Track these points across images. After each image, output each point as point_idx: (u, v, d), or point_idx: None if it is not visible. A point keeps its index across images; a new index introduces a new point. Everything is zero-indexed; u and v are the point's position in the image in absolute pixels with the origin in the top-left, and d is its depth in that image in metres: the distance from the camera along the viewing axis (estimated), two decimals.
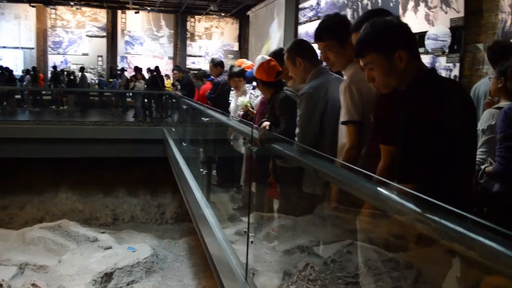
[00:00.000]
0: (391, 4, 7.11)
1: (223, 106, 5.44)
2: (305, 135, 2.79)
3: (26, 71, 15.90)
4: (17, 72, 16.23)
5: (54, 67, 16.40)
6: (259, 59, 3.69)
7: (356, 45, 1.95)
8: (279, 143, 2.47)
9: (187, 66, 17.85)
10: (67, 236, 8.33)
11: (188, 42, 18.92)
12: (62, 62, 17.84)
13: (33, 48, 17.76)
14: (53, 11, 17.58)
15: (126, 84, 15.17)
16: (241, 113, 4.83)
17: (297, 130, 2.84)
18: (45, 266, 7.20)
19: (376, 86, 1.96)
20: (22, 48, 17.71)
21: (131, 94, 14.75)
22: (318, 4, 10.11)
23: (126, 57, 18.53)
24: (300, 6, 11.20)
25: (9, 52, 17.55)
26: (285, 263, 3.19)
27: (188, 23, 18.88)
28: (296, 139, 2.79)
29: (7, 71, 15.04)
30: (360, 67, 1.98)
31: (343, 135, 2.47)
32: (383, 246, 1.96)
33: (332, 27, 2.61)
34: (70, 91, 14.36)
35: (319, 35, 2.66)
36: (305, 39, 10.23)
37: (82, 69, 15.86)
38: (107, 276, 6.97)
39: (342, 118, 2.44)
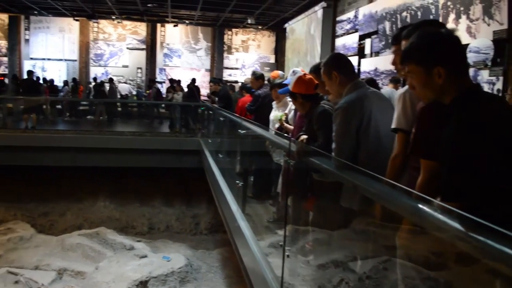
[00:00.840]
0: (431, 17, 7.02)
1: (263, 119, 5.48)
2: (341, 150, 2.79)
3: (65, 82, 16.50)
4: (60, 83, 16.85)
5: (95, 78, 16.93)
6: (291, 73, 3.73)
7: (402, 52, 1.98)
8: (317, 157, 2.48)
9: (224, 78, 18.08)
10: (104, 244, 8.51)
11: (225, 54, 19.18)
12: (103, 73, 18.40)
13: (75, 60, 18.42)
14: (95, 24, 18.21)
15: (155, 96, 15.54)
16: (277, 126, 4.86)
17: (333, 145, 2.84)
18: (83, 272, 7.37)
19: (415, 94, 1.99)
20: (65, 60, 18.41)
21: (163, 105, 15.11)
22: (355, 17, 10.08)
23: (164, 69, 18.94)
24: (338, 19, 11.20)
25: (54, 64, 18.27)
26: (319, 277, 3.16)
27: (225, 36, 19.16)
28: (333, 153, 2.79)
29: (49, 82, 15.71)
30: (404, 74, 2.01)
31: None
32: (422, 264, 1.93)
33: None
34: (106, 102, 14.86)
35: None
36: (342, 52, 10.27)
37: (111, 80, 16.30)
38: (142, 285, 7.06)
39: (392, 124, 2.46)
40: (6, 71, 17.67)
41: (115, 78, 18.26)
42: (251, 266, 3.76)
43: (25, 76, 17.26)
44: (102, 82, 16.31)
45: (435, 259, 1.83)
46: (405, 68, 1.93)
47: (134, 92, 16.87)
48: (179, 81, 14.99)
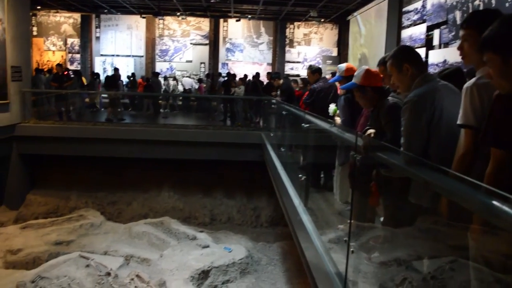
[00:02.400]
0: (507, 4, 6.62)
1: (319, 112, 5.46)
2: (410, 144, 2.70)
3: (127, 77, 17.22)
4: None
5: (156, 73, 17.39)
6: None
7: (481, 40, 1.90)
8: (385, 151, 2.42)
9: (285, 72, 18.06)
10: (169, 233, 8.78)
11: (287, 48, 19.13)
12: (168, 69, 18.99)
13: (142, 56, 19.14)
14: (161, 21, 18.85)
15: (209, 90, 15.79)
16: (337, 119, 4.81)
17: (402, 140, 2.76)
18: (148, 260, 7.66)
19: (492, 83, 1.90)
20: (133, 56, 19.19)
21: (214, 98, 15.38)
22: (423, 6, 9.70)
23: (227, 64, 19.21)
24: (404, 9, 10.83)
25: (122, 60, 19.11)
26: (381, 275, 3.10)
27: (287, 30, 19.10)
28: (402, 148, 2.71)
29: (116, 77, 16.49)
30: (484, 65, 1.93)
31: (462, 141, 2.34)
32: (496, 265, 1.84)
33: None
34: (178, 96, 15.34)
35: None
36: (408, 44, 9.93)
37: (156, 74, 16.70)
38: (204, 274, 7.25)
39: (458, 120, 2.31)
40: (79, 67, 18.65)
41: (179, 73, 18.81)
42: (313, 261, 3.75)
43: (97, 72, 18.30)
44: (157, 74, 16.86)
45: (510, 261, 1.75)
46: (484, 56, 1.85)
47: (197, 86, 17.23)
48: (234, 75, 15.29)
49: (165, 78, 17.80)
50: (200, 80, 17.42)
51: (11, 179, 10.58)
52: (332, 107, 4.94)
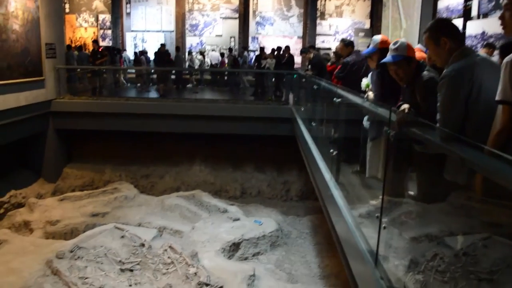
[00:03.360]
0: None
1: (351, 86, 5.36)
2: (447, 121, 2.62)
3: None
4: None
5: (177, 47, 17.27)
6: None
7: None
8: (420, 127, 2.37)
9: (317, 46, 17.74)
10: (200, 206, 8.92)
11: (318, 21, 18.72)
12: (198, 43, 18.95)
13: (172, 31, 19.12)
14: None
15: (231, 64, 15.65)
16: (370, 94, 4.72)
17: (438, 116, 2.68)
18: (180, 231, 7.82)
19: None
20: (163, 31, 19.20)
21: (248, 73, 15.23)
22: None
23: (257, 38, 19.01)
24: None
25: (152, 35, 19.16)
26: (412, 251, 3.08)
27: (319, 2, 18.66)
28: (437, 124, 2.63)
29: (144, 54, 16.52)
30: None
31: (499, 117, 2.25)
32: None
33: None
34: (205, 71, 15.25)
35: None
36: (445, 15, 9.56)
37: (177, 49, 16.56)
38: (235, 246, 7.37)
39: (497, 96, 2.22)
40: (110, 43, 18.84)
41: (209, 47, 18.75)
42: (344, 236, 3.76)
43: (129, 48, 18.42)
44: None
45: None
46: None
47: (226, 61, 17.16)
48: (262, 48, 15.12)
49: (189, 53, 17.75)
50: (222, 55, 17.30)
51: (48, 154, 10.92)
52: (364, 81, 4.84)
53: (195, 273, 5.93)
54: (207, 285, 5.71)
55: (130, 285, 5.67)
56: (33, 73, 9.80)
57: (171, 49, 17.66)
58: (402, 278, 2.72)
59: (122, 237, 6.86)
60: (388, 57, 3.45)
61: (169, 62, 14.76)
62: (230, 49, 17.33)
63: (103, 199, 9.13)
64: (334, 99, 4.54)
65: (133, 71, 16.63)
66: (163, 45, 14.98)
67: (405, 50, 3.39)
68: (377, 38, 4.58)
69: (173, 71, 14.89)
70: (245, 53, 17.27)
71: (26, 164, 10.95)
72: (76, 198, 9.21)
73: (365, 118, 4.38)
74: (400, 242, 3.16)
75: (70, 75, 11.61)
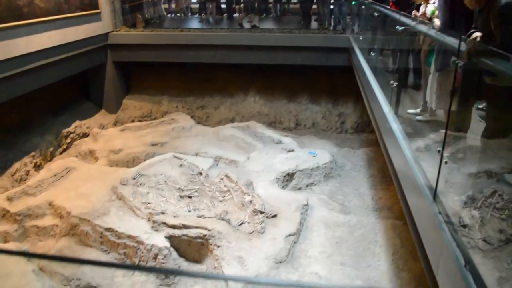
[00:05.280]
0: None
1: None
2: None
3: None
4: None
5: None
6: None
7: None
8: (492, 57, 2.18)
9: None
10: (255, 136, 9.00)
11: None
12: None
13: None
14: None
15: None
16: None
17: None
18: (236, 161, 7.97)
19: None
20: None
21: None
22: None
23: None
24: None
25: None
26: (469, 186, 2.98)
27: None
28: None
29: None
30: None
31: None
32: None
33: None
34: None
35: None
36: None
37: None
38: (289, 176, 7.46)
39: None
40: None
41: None
42: (401, 169, 3.69)
43: None
44: None
45: None
46: None
47: None
48: None
49: None
50: None
51: (108, 86, 11.26)
52: (430, 7, 4.51)
53: (250, 201, 6.12)
54: (261, 212, 5.89)
55: (189, 211, 5.96)
56: (89, 6, 9.92)
57: None
58: (458, 213, 2.66)
59: (181, 165, 7.14)
60: None
61: None
62: None
63: (161, 129, 9.42)
64: (397, 27, 4.28)
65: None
66: None
67: None
68: None
69: None
70: None
71: (88, 96, 11.41)
72: (136, 128, 9.56)
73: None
74: (459, 177, 3.06)
75: (126, 7, 11.62)
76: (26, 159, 8.65)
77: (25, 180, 8.22)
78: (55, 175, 7.27)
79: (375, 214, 6.67)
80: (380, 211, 6.74)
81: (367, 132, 10.07)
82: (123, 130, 9.49)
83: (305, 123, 10.83)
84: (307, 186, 7.56)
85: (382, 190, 7.34)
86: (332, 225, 6.16)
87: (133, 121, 10.97)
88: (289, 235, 5.66)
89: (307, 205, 6.43)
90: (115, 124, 10.95)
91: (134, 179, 6.64)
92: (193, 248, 5.63)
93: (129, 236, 5.57)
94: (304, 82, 11.14)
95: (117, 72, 11.35)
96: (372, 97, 5.40)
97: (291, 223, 5.89)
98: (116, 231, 5.65)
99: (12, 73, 7.57)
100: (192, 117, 10.67)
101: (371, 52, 6.68)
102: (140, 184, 6.54)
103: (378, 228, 6.13)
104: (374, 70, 6.20)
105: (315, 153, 8.11)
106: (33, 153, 8.85)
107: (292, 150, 8.31)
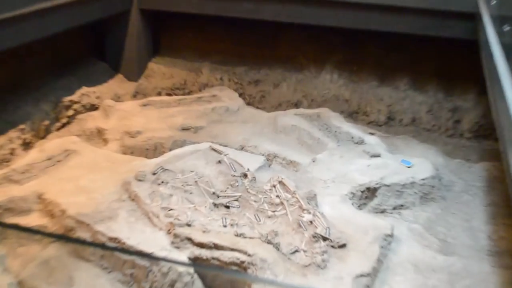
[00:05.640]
0: None
1: None
2: None
3: None
4: None
5: None
6: None
7: None
8: None
9: None
10: (326, 131, 9.06)
11: None
12: None
13: None
14: None
15: None
16: None
17: None
18: (296, 163, 8.06)
19: None
20: None
21: None
22: None
23: None
24: None
25: None
26: None
27: None
28: None
29: None
30: None
31: None
32: None
33: None
34: None
35: None
36: None
37: None
38: (370, 192, 7.45)
39: None
40: None
41: None
42: None
43: None
44: None
45: None
46: None
47: None
48: None
49: None
50: None
51: (130, 42, 11.62)
52: None
53: (311, 222, 6.14)
54: (325, 239, 5.91)
55: (225, 226, 6.03)
56: None
57: None
58: None
59: (219, 162, 7.30)
60: None
61: None
62: None
63: (197, 108, 9.64)
64: None
65: None
66: None
67: None
68: None
69: None
70: None
71: (102, 55, 11.82)
72: (162, 104, 9.84)
73: None
74: None
75: None
76: (13, 133, 8.98)
77: (9, 161, 8.55)
78: (49, 159, 7.59)
79: (491, 260, 6.56)
80: (500, 256, 6.63)
81: (493, 139, 9.86)
82: (145, 105, 9.78)
83: (402, 117, 10.75)
84: (394, 208, 7.55)
85: (505, 226, 7.21)
86: (425, 269, 6.13)
87: (159, 93, 11.27)
88: (361, 275, 5.66)
89: (391, 235, 6.43)
90: (135, 96, 11.28)
91: (154, 174, 6.86)
92: (225, 277, 5.74)
93: (140, 252, 5.74)
94: (404, 59, 11.03)
95: (144, 24, 11.68)
96: (499, 91, 5.34)
97: (365, 258, 5.89)
98: (124, 243, 5.83)
99: (3, 17, 7.83)
100: (241, 95, 10.83)
101: (504, 26, 6.52)
102: (162, 182, 6.74)
103: (493, 281, 6.04)
104: (508, 50, 6.08)
105: (411, 163, 8.06)
106: (22, 126, 9.18)
107: (378, 155, 8.30)
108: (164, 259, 5.52)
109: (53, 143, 8.12)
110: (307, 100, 11.11)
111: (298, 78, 11.46)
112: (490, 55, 6.53)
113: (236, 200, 6.53)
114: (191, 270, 5.55)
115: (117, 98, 10.83)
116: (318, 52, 11.51)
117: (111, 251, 5.86)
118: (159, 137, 8.53)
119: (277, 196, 6.64)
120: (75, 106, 10.23)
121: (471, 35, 9.22)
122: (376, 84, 11.15)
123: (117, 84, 11.43)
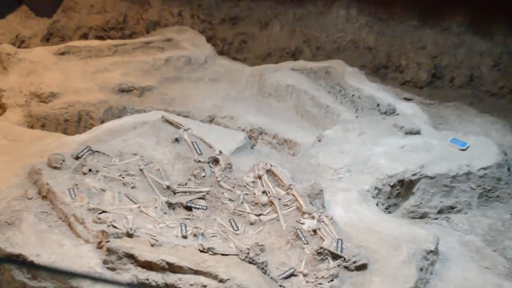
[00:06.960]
0: None
1: None
2: None
3: None
4: None
5: None
6: None
7: None
8: None
9: None
10: (338, 94, 9.16)
11: None
12: None
13: None
14: None
15: None
16: None
17: None
18: (293, 142, 8.21)
19: None
20: None
21: None
22: None
23: None
24: None
25: None
26: None
27: None
28: None
29: None
30: None
31: None
32: None
33: None
34: None
35: None
36: None
37: None
38: (403, 187, 7.52)
39: None
40: None
41: None
42: None
43: None
44: None
45: None
46: None
47: None
48: None
49: None
50: None
51: None
52: None
53: (314, 231, 6.17)
54: (335, 257, 5.90)
55: (184, 236, 5.96)
56: None
57: None
58: None
59: (176, 140, 7.30)
60: None
61: None
62: None
63: (142, 59, 9.68)
64: None
65: None
66: None
67: None
68: None
69: None
70: None
71: None
72: (90, 52, 9.81)
73: None
74: None
75: None
76: None
77: None
78: None
79: None
80: None
81: None
82: (62, 53, 9.77)
83: (453, 75, 10.79)
84: (439, 212, 7.63)
85: None
86: None
87: (85, 36, 11.23)
88: None
89: (435, 252, 6.49)
90: (48, 38, 11.23)
91: (77, 158, 6.80)
92: None
93: (55, 278, 5.69)
94: None
95: None
96: None
97: (395, 285, 5.91)
98: (32, 262, 5.78)
99: None
100: (209, 39, 10.95)
101: None
102: (90, 170, 6.68)
103: None
104: None
105: (466, 144, 8.07)
106: None
107: (417, 132, 8.36)
108: None
109: None
110: (310, 48, 11.13)
111: (297, 14, 11.45)
112: None
113: (202, 198, 6.58)
114: None
115: (21, 42, 10.77)
116: None
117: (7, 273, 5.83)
118: (85, 102, 8.52)
119: (264, 192, 6.65)
120: None
121: None
122: (415, 24, 11.16)
123: (20, 20, 11.36)
